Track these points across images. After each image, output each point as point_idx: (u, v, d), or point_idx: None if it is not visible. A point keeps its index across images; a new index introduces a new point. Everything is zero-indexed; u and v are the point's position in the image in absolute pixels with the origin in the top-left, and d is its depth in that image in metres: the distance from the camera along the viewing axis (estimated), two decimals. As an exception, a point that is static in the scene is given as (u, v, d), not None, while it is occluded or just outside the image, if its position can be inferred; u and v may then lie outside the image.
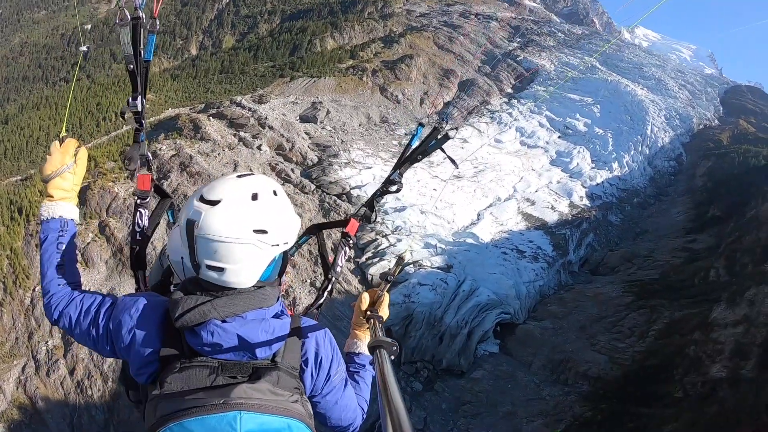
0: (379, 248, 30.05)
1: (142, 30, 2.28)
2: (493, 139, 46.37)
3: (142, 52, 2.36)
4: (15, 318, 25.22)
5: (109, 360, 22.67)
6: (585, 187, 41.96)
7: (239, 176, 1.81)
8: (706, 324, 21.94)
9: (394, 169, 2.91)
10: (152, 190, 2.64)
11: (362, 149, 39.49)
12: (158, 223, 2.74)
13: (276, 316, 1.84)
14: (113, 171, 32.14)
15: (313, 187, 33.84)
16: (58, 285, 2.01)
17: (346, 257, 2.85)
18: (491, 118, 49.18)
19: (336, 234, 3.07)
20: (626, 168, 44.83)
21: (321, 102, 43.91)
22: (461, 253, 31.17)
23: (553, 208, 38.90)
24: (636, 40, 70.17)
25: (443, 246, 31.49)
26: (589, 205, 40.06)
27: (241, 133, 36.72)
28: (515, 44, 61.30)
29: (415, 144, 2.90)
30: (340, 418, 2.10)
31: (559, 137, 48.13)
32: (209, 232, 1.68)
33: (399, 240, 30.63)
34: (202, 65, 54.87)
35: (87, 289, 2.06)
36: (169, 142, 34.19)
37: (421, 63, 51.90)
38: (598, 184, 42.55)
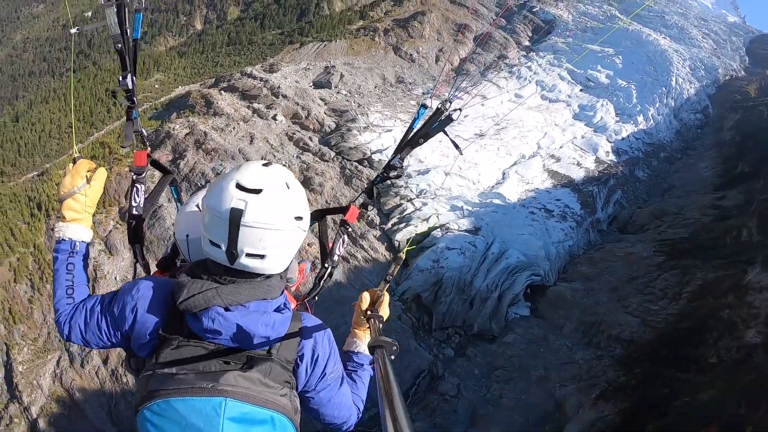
0: (405, 213, 30.19)
1: (126, 9, 2.33)
2: (513, 94, 45.69)
3: (128, 30, 2.41)
4: (45, 314, 25.91)
5: None
6: (610, 142, 41.51)
7: (264, 165, 1.87)
8: (741, 287, 22.06)
9: (395, 153, 2.89)
10: (148, 165, 2.70)
11: (380, 112, 39.03)
12: (158, 197, 2.86)
13: (278, 309, 1.89)
14: (129, 156, 32.23)
15: (332, 154, 33.71)
16: (66, 304, 2.05)
17: (345, 245, 2.89)
18: (510, 72, 48.19)
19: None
20: (652, 121, 44.12)
21: (334, 66, 43.27)
22: (488, 214, 31.25)
23: (578, 164, 38.65)
24: None
25: (470, 208, 31.55)
26: (615, 160, 39.74)
27: (255, 105, 36.35)
28: None
29: (417, 126, 2.88)
30: (334, 415, 2.15)
31: (581, 90, 47.26)
32: (258, 220, 1.73)
33: (424, 204, 30.70)
34: (209, 39, 54.05)
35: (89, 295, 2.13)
36: (182, 121, 34.06)
37: (433, 19, 50.64)
38: (623, 139, 42.05)
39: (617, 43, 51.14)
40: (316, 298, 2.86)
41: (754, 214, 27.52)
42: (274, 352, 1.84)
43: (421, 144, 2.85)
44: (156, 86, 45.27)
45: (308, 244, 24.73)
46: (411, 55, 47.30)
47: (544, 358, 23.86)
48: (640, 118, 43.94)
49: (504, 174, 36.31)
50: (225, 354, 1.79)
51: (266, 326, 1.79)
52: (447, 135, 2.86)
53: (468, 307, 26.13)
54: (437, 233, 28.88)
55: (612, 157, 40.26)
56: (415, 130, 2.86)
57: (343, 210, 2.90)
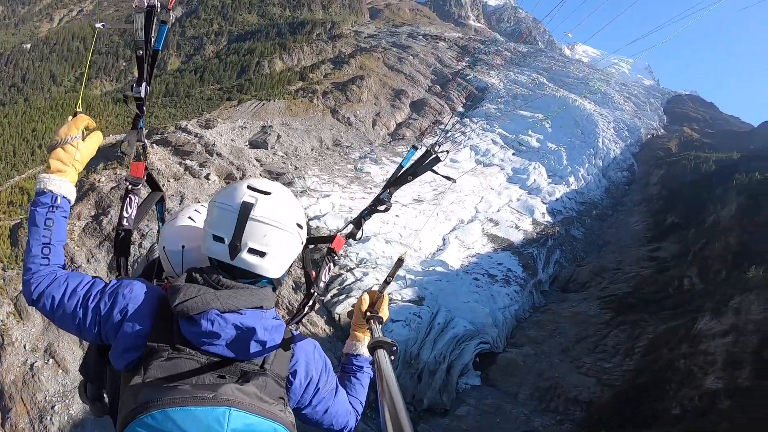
0: (345, 284, 28.98)
1: (155, 18, 2.32)
2: (449, 159, 46.55)
3: (152, 40, 2.39)
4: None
5: (54, 429, 20.58)
6: (545, 203, 42.68)
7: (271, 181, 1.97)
8: (693, 336, 22.09)
9: (384, 188, 3.04)
10: (144, 178, 2.68)
11: (317, 175, 38.62)
12: (146, 213, 2.81)
13: (275, 318, 1.89)
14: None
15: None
16: (41, 264, 1.91)
17: (330, 273, 2.95)
18: (445, 138, 49.41)
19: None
20: (582, 181, 46.02)
21: (271, 126, 42.89)
22: (432, 283, 30.62)
23: (516, 227, 39.18)
24: (576, 56, 73.74)
25: (412, 277, 30.86)
26: (551, 221, 40.66)
27: (188, 162, 34.99)
28: (464, 64, 63.04)
29: (407, 165, 3.05)
30: (332, 423, 2.15)
31: (513, 154, 49.07)
32: (266, 215, 1.81)
33: (365, 273, 29.69)
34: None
35: (71, 270, 1.98)
36: (108, 173, 32.10)
37: (372, 84, 52.17)
38: (557, 200, 43.39)
39: (546, 108, 54.19)
40: (299, 325, 2.81)
41: (693, 264, 28.26)
42: (267, 366, 1.82)
43: (409, 181, 3.05)
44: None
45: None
46: (348, 118, 47.96)
47: (501, 428, 22.52)
48: (572, 179, 45.75)
49: (444, 240, 36.10)
50: (219, 367, 1.74)
51: (265, 330, 1.79)
52: (436, 172, 3.05)
53: (416, 381, 24.72)
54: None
55: (548, 217, 41.24)
56: (404, 169, 3.04)
57: (329, 239, 2.98)
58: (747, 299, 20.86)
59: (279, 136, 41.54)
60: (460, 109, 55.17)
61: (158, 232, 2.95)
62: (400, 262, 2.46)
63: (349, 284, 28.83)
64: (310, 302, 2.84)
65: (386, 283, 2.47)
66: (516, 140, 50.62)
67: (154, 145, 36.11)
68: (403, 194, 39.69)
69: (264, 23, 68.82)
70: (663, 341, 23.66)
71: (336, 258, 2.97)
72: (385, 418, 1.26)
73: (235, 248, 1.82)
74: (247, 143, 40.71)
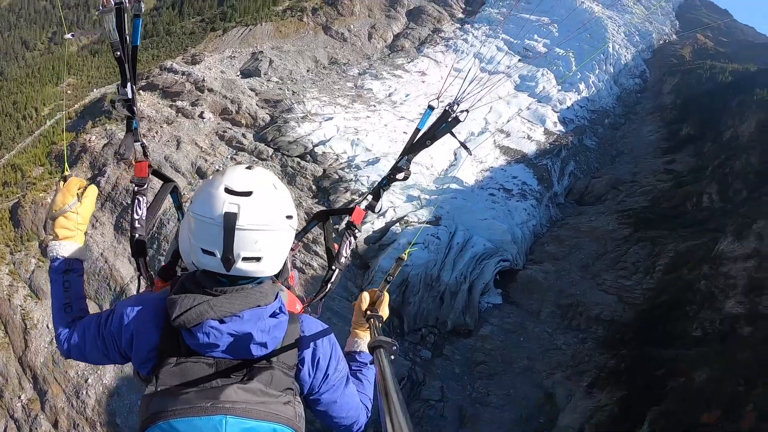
0: (357, 200, 29.06)
1: (125, 15, 2.32)
2: (452, 68, 45.37)
3: (128, 37, 2.41)
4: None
5: (92, 402, 21.55)
6: (556, 112, 42.26)
7: (247, 168, 1.90)
8: (713, 257, 22.74)
9: (402, 154, 2.93)
10: (149, 176, 2.73)
11: (317, 98, 37.49)
12: (160, 207, 2.87)
13: (273, 314, 1.89)
14: (43, 177, 29.04)
15: (270, 151, 31.94)
16: (66, 322, 2.14)
17: (351, 247, 2.94)
18: (446, 46, 48.25)
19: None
20: (593, 88, 45.30)
21: (261, 51, 41.16)
22: (447, 201, 30.76)
23: (529, 137, 39.01)
24: None
25: (427, 196, 30.93)
26: (563, 130, 40.46)
27: (179, 103, 33.66)
28: None
29: (424, 128, 2.91)
30: (341, 416, 2.17)
31: (519, 61, 47.81)
32: (252, 222, 1.77)
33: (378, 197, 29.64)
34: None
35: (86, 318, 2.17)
36: (98, 130, 30.93)
37: None
38: (568, 108, 42.92)
39: (552, 11, 52.06)
40: (323, 300, 2.87)
41: (712, 180, 28.55)
42: (274, 360, 1.86)
43: (428, 146, 2.88)
44: (68, 92, 41.60)
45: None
46: (342, 33, 46.07)
47: (525, 347, 23.76)
48: (582, 86, 45.02)
49: (456, 155, 35.85)
50: (225, 368, 1.79)
51: (262, 332, 1.81)
52: (455, 136, 2.87)
53: (439, 303, 25.50)
54: (396, 228, 28.01)
55: (560, 127, 40.97)
56: (422, 132, 2.87)
57: (348, 211, 2.97)
58: (770, 224, 21.33)
59: (271, 61, 39.83)
60: (460, 15, 52.99)
61: (179, 220, 2.97)
62: (400, 261, 2.42)
63: (359, 201, 28.82)
64: (333, 278, 2.87)
65: (386, 282, 2.44)
66: (522, 46, 49.06)
67: (141, 91, 34.30)
68: (408, 109, 38.95)
69: None
70: (684, 261, 24.42)
71: (357, 231, 2.99)
72: (385, 417, 1.28)
73: (228, 261, 1.81)
74: (238, 73, 39.14)
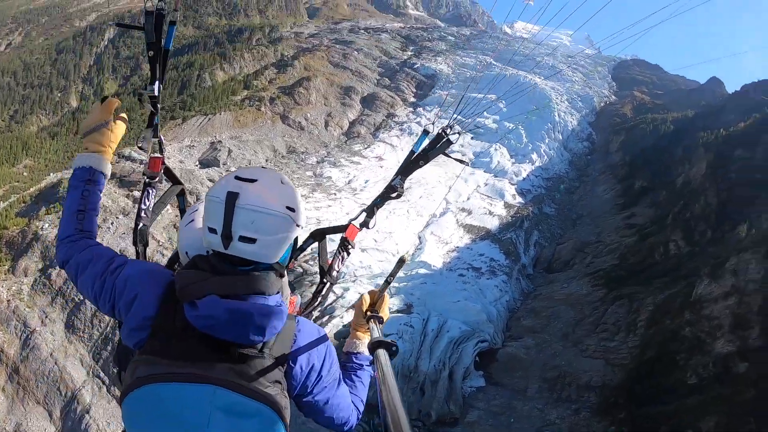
0: (327, 304, 28.24)
1: (164, 19, 2.52)
2: (408, 151, 46.49)
3: (163, 40, 2.60)
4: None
5: None
6: (513, 184, 43.18)
7: (262, 167, 3.13)
8: (693, 302, 22.58)
9: (396, 174, 3.09)
10: (162, 172, 2.85)
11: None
12: (165, 207, 2.96)
13: (276, 305, 1.91)
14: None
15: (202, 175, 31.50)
16: (75, 228, 2.17)
17: (344, 263, 3.05)
18: (401, 130, 49.76)
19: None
20: (545, 157, 46.78)
21: (220, 141, 41.60)
22: (417, 287, 30.30)
23: (490, 212, 39.40)
24: (517, 34, 75.62)
25: (396, 284, 30.29)
26: (522, 201, 41.13)
27: (136, 193, 33.09)
28: (410, 53, 63.43)
29: (419, 150, 3.08)
30: (333, 417, 2.17)
31: (472, 138, 49.44)
32: (250, 202, 1.85)
33: (346, 289, 29.08)
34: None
35: (101, 243, 2.18)
36: (51, 218, 30.07)
37: (319, 84, 51.67)
38: (524, 179, 43.96)
39: (498, 89, 54.74)
40: (314, 313, 2.95)
41: (675, 227, 28.90)
42: (266, 350, 1.89)
43: (421, 166, 3.10)
44: (24, 174, 40.80)
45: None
46: (299, 122, 47.22)
47: (516, 428, 22.48)
48: (534, 156, 46.49)
49: (420, 238, 35.84)
50: (217, 348, 1.82)
51: (262, 316, 1.83)
52: (449, 156, 3.11)
53: (420, 394, 24.30)
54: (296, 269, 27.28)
55: (519, 198, 41.67)
56: (416, 154, 3.07)
57: (343, 229, 3.08)
58: (743, 259, 21.41)
59: (230, 151, 40.26)
60: (412, 99, 55.35)
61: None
62: (401, 262, 2.46)
63: (331, 304, 28.15)
64: (324, 291, 2.96)
65: (387, 283, 2.50)
66: (473, 123, 50.89)
67: None
68: (369, 196, 39.25)
69: (201, 34, 67.31)
70: (664, 311, 24.12)
71: (350, 247, 3.06)
72: (385, 416, 1.30)
73: (226, 237, 1.87)
74: (197, 163, 39.37)
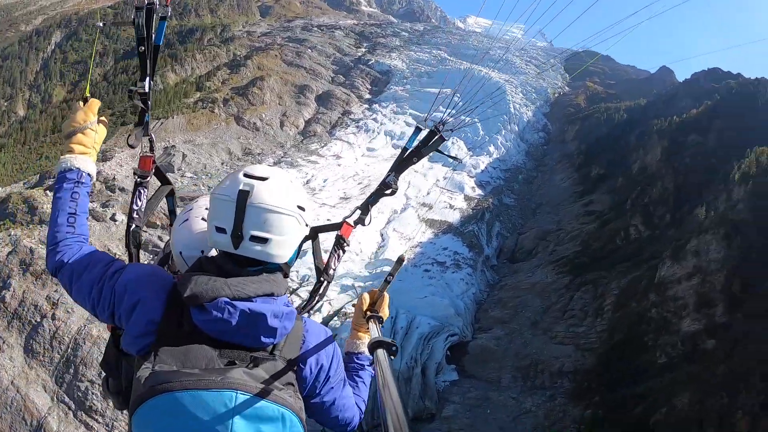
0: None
1: (155, 15, 2.53)
2: (365, 148, 46.57)
3: (153, 36, 2.61)
4: None
5: None
6: (472, 177, 43.63)
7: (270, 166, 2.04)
8: (657, 284, 23.21)
9: (390, 171, 3.12)
10: (153, 171, 2.93)
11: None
12: (156, 207, 3.00)
13: (286, 305, 1.92)
14: None
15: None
16: (68, 233, 2.09)
17: (340, 261, 3.06)
18: (357, 127, 49.61)
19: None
20: (502, 148, 47.52)
21: (174, 146, 40.37)
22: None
23: (451, 206, 39.65)
24: (469, 28, 76.95)
25: (361, 284, 30.16)
26: (482, 193, 41.60)
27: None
28: (364, 49, 63.55)
29: (412, 147, 3.15)
30: (337, 417, 2.18)
31: (429, 133, 49.73)
32: (262, 202, 1.85)
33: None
34: (32, 126, 49.50)
35: (95, 248, 2.13)
36: (1, 236, 28.41)
37: (273, 83, 50.97)
38: (483, 171, 44.50)
39: (452, 83, 55.32)
40: (311, 312, 2.96)
41: (635, 212, 29.75)
42: (277, 352, 1.88)
43: (414, 162, 3.18)
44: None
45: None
46: (254, 123, 46.40)
47: (494, 419, 22.57)
48: (492, 148, 47.14)
49: (383, 236, 35.67)
50: (229, 354, 1.79)
51: (275, 317, 1.84)
52: (442, 152, 3.20)
53: (394, 392, 24.14)
54: (335, 323, 26.93)
55: (479, 191, 42.12)
56: (409, 150, 3.14)
57: (338, 227, 3.11)
58: (704, 240, 22.17)
59: (184, 156, 39.15)
60: (368, 96, 55.36)
61: (170, 225, 3.05)
62: (400, 261, 2.49)
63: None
64: (321, 290, 2.99)
65: (386, 282, 2.49)
66: (429, 118, 51.39)
67: (48, 191, 32.55)
68: (329, 195, 38.95)
69: None
70: (629, 294, 24.74)
71: (345, 245, 3.09)
72: (385, 415, 1.32)
73: (237, 237, 1.86)
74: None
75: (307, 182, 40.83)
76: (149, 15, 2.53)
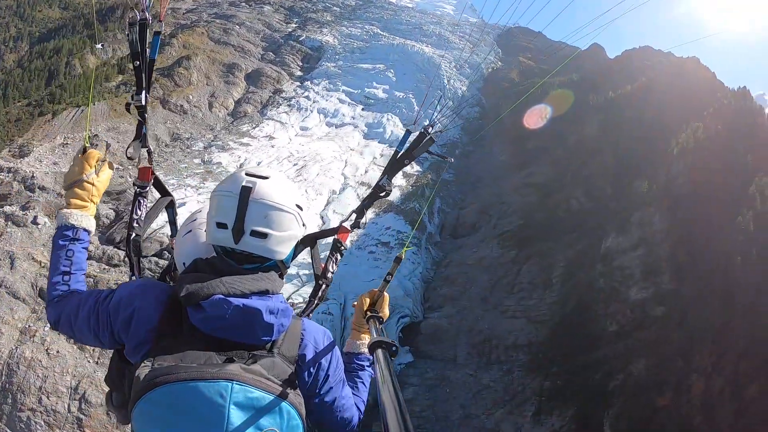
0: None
1: (148, 30, 2.67)
2: (299, 127, 45.83)
3: (147, 51, 2.77)
4: None
5: None
6: (407, 153, 43.80)
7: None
8: (603, 255, 24.34)
9: (383, 174, 3.26)
10: (152, 182, 3.03)
11: (164, 182, 34.93)
12: (155, 218, 3.08)
13: (282, 302, 1.97)
14: None
15: (122, 254, 28.68)
16: (61, 289, 2.17)
17: (337, 265, 3.19)
18: (289, 105, 48.64)
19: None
20: (438, 124, 47.82)
21: (96, 135, 37.73)
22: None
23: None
24: (401, 3, 76.46)
25: (306, 271, 29.71)
26: (420, 170, 41.88)
27: (6, 208, 28.76)
28: (294, 25, 62.15)
29: (403, 149, 3.27)
30: (337, 418, 2.22)
31: (363, 109, 49.71)
32: (265, 198, 1.95)
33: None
34: None
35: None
36: None
37: (200, 63, 48.85)
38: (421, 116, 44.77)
39: (386, 58, 55.60)
40: (311, 315, 2.99)
41: (576, 185, 30.91)
42: (275, 350, 1.92)
43: (406, 164, 3.31)
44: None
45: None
46: (181, 106, 44.32)
47: (454, 397, 23.16)
48: (426, 123, 47.31)
49: (323, 219, 35.29)
50: (227, 351, 1.83)
51: (270, 313, 1.87)
52: (431, 153, 3.32)
53: (348, 382, 24.21)
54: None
55: (417, 167, 42.35)
56: (401, 153, 3.26)
57: (334, 231, 3.23)
58: (648, 213, 23.39)
59: (108, 145, 36.68)
60: (299, 73, 54.32)
61: (172, 236, 3.21)
62: (398, 260, 2.58)
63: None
64: (320, 293, 3.09)
65: (386, 282, 2.57)
66: (362, 95, 51.14)
67: None
68: (261, 178, 38.07)
69: (68, 16, 61.38)
70: (576, 266, 25.86)
71: (342, 249, 3.19)
72: (386, 416, 1.34)
73: (238, 232, 1.93)
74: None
75: (240, 166, 39.57)
76: (143, 30, 2.66)
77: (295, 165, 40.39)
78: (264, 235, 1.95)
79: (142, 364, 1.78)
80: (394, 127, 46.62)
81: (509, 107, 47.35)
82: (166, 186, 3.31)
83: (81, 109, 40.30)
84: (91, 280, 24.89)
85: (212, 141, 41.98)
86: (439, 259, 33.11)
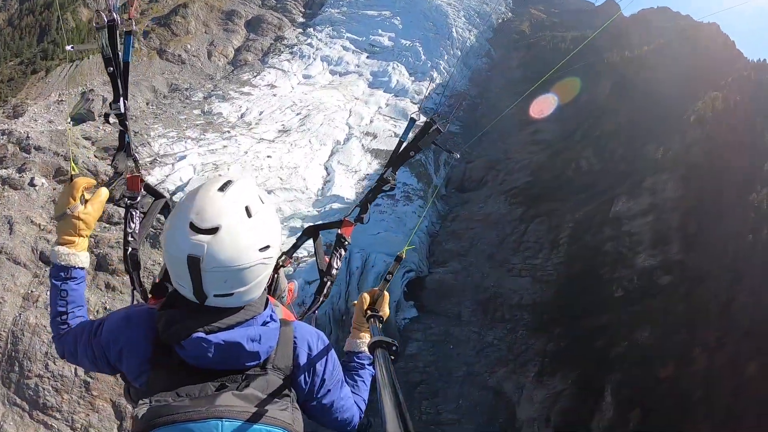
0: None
1: (117, 32, 2.51)
2: (301, 75, 45.11)
3: (120, 54, 2.60)
4: None
5: None
6: (415, 103, 43.31)
7: (220, 189, 1.84)
8: (612, 218, 24.48)
9: (387, 166, 3.22)
10: (142, 190, 2.94)
11: (164, 135, 34.62)
12: (152, 223, 3.05)
13: (264, 323, 1.94)
14: None
15: (121, 212, 28.26)
16: (61, 326, 2.24)
17: (341, 260, 3.23)
18: (291, 53, 47.72)
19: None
20: (445, 74, 47.16)
21: (92, 90, 36.84)
22: (333, 225, 30.01)
23: (395, 134, 39.28)
24: None
25: (310, 223, 29.75)
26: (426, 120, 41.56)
27: (2, 171, 28.26)
28: None
29: (408, 139, 3.22)
30: (337, 419, 2.26)
31: (368, 57, 48.73)
32: (218, 265, 1.75)
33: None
34: None
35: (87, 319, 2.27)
36: None
37: (197, 10, 47.41)
38: (427, 97, 44.13)
39: (392, 4, 54.27)
40: (317, 312, 3.10)
41: (586, 144, 30.76)
42: (269, 366, 1.92)
43: (412, 156, 3.20)
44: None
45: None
46: (180, 56, 43.41)
47: (458, 354, 23.75)
48: (434, 73, 46.80)
49: (328, 169, 35.19)
50: (219, 377, 1.84)
51: (252, 341, 1.86)
52: (438, 145, 3.18)
53: (354, 336, 24.71)
54: (288, 270, 26.63)
55: (423, 118, 41.49)
56: (405, 144, 3.17)
57: (338, 224, 3.27)
58: (661, 179, 23.42)
59: (105, 99, 35.85)
60: (301, 20, 52.97)
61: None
62: (399, 259, 2.58)
63: (301, 312, 27.28)
64: (325, 290, 3.15)
65: (386, 281, 2.56)
66: (367, 42, 50.07)
67: None
68: (266, 129, 37.66)
69: None
70: (584, 228, 26.01)
71: (346, 244, 3.23)
72: (386, 416, 1.34)
73: (200, 295, 1.84)
74: (69, 120, 34.83)
75: (242, 116, 39.12)
76: (111, 33, 2.51)
77: (298, 114, 39.92)
78: (229, 295, 1.85)
79: (140, 402, 1.79)
80: (400, 76, 45.92)
81: (518, 60, 46.79)
82: (158, 189, 3.26)
83: (75, 63, 39.26)
84: (92, 240, 24.86)
85: (212, 91, 41.30)
86: (445, 213, 33.21)
